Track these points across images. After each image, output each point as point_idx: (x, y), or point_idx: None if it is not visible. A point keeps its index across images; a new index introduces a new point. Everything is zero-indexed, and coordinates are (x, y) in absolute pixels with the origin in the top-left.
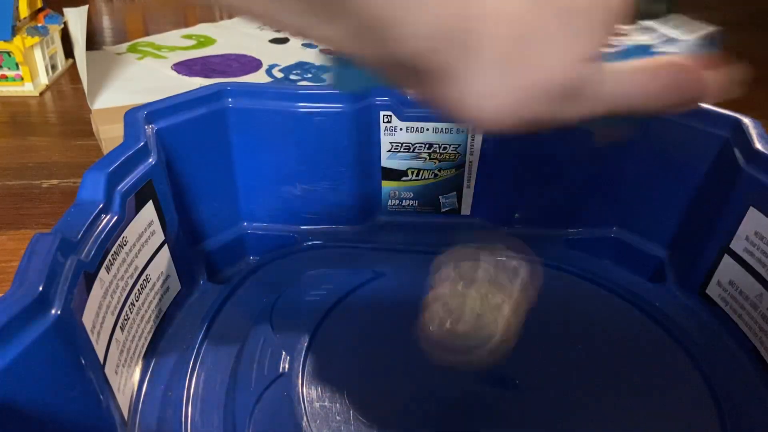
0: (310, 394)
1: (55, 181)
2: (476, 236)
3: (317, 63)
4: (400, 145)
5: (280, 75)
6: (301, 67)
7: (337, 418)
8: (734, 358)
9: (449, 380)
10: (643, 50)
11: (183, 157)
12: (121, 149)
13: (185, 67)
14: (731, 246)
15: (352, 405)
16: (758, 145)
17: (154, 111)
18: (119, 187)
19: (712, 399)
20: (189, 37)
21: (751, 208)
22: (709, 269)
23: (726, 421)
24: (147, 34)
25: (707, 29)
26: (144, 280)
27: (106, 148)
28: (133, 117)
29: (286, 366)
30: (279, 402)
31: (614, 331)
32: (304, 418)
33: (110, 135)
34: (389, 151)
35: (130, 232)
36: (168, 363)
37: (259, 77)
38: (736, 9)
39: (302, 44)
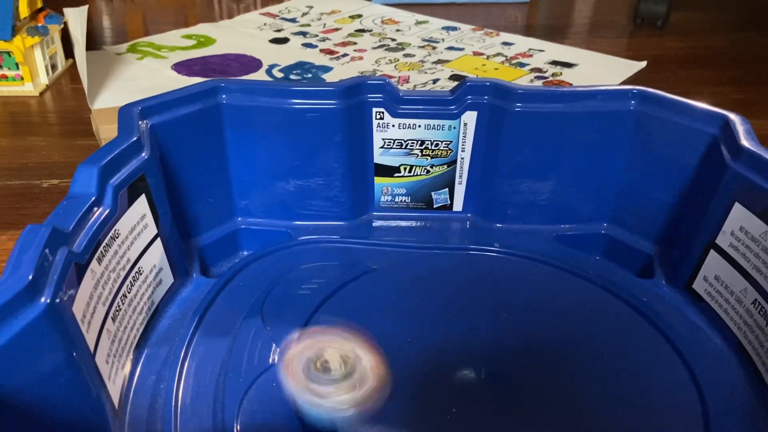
0: None
1: (55, 181)
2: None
3: (317, 63)
4: (392, 141)
5: (280, 75)
6: (301, 66)
7: None
8: (719, 352)
9: (438, 374)
10: None
11: (177, 153)
12: (114, 144)
13: (185, 67)
14: (717, 241)
15: None
16: (744, 142)
17: (149, 107)
18: (111, 181)
19: (697, 392)
20: (189, 37)
21: (737, 203)
22: (696, 265)
23: (710, 414)
24: (147, 34)
25: None
26: (136, 272)
27: None
28: (127, 112)
29: (276, 357)
30: (268, 392)
31: (603, 325)
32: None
33: (110, 135)
34: (382, 147)
35: (123, 224)
36: (160, 354)
37: (259, 77)
38: (734, 9)
39: (302, 44)
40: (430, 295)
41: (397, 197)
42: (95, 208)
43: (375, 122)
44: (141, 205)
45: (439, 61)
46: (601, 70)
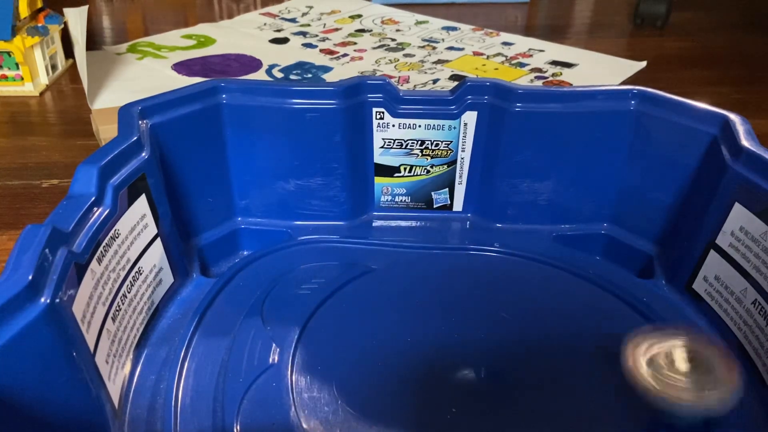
0: (299, 384)
1: (55, 181)
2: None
3: (317, 63)
4: (392, 141)
5: (280, 75)
6: (301, 67)
7: (325, 408)
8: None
9: (437, 374)
10: None
11: (177, 152)
12: (114, 144)
13: (185, 67)
14: (717, 242)
15: (340, 396)
16: (744, 142)
17: (149, 107)
18: (111, 181)
19: None
20: (189, 37)
21: (737, 204)
22: (696, 265)
23: (709, 414)
24: (147, 34)
25: None
26: (136, 272)
27: None
28: (127, 112)
29: (276, 357)
30: (268, 392)
31: (602, 326)
32: (293, 408)
33: (110, 135)
34: (382, 147)
35: (123, 224)
36: (160, 354)
37: (259, 77)
38: (734, 9)
39: (302, 44)
40: (430, 295)
41: (397, 197)
42: (95, 208)
43: (375, 122)
44: (141, 204)
45: (439, 61)
46: (601, 70)
